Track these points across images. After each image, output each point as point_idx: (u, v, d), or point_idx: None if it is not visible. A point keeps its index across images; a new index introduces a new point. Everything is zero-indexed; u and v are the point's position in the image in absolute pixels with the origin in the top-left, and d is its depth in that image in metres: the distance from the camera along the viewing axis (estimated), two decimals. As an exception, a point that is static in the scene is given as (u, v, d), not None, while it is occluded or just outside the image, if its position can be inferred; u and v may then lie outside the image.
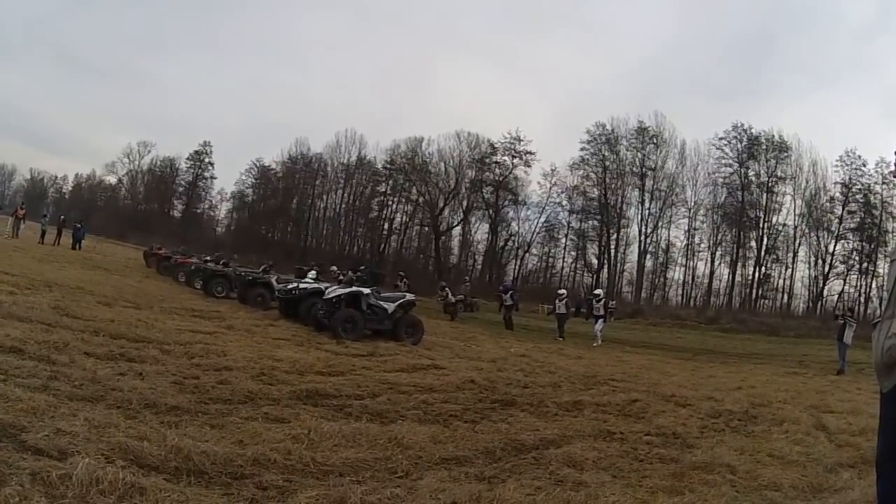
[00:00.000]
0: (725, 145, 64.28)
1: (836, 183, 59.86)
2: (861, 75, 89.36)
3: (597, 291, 24.85)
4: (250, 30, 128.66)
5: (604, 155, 68.88)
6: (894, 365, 3.15)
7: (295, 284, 17.36)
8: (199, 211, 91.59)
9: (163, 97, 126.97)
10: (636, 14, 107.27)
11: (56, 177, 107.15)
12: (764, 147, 62.70)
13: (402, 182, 77.89)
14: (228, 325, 13.61)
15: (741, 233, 63.05)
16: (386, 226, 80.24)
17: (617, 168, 68.18)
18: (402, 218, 79.62)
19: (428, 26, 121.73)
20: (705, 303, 61.56)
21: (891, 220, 57.77)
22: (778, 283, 62.19)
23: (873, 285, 56.56)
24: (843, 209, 59.26)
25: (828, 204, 60.23)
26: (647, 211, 66.47)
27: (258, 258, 31.40)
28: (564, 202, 72.01)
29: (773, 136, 62.32)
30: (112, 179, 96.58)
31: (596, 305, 23.21)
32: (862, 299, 55.94)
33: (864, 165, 58.38)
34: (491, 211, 72.84)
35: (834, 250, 59.22)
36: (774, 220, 62.26)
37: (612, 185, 68.26)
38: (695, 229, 65.31)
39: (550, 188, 71.85)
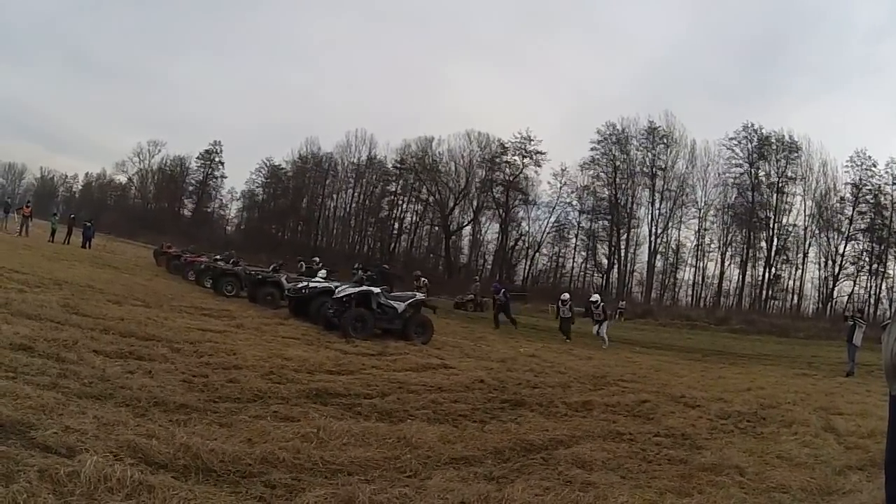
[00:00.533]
0: (736, 145, 64.01)
1: (846, 184, 59.63)
2: (871, 77, 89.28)
3: (593, 298, 23.83)
4: (261, 30, 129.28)
5: (614, 155, 68.72)
6: None
7: (305, 283, 17.33)
8: (209, 210, 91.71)
9: (173, 97, 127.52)
10: (645, 15, 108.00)
11: (66, 176, 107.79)
12: (774, 147, 62.38)
13: (412, 181, 77.92)
14: (238, 324, 13.60)
15: (751, 233, 62.75)
16: (396, 225, 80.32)
17: (627, 168, 68.00)
18: (412, 217, 79.69)
19: (437, 27, 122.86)
20: (715, 303, 61.12)
21: (901, 221, 57.27)
22: (788, 285, 61.86)
23: (883, 287, 56.56)
24: (854, 210, 58.86)
25: (838, 205, 59.88)
26: (658, 211, 66.29)
27: (268, 257, 31.44)
28: (575, 202, 71.69)
29: (784, 136, 62.12)
30: (122, 178, 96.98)
31: (595, 311, 22.74)
32: (872, 301, 55.84)
33: (875, 166, 58.26)
34: (501, 211, 72.66)
35: (844, 251, 58.84)
36: (785, 220, 61.99)
37: (623, 185, 68.10)
38: (705, 230, 65.15)
39: (561, 188, 71.54)
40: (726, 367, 17.50)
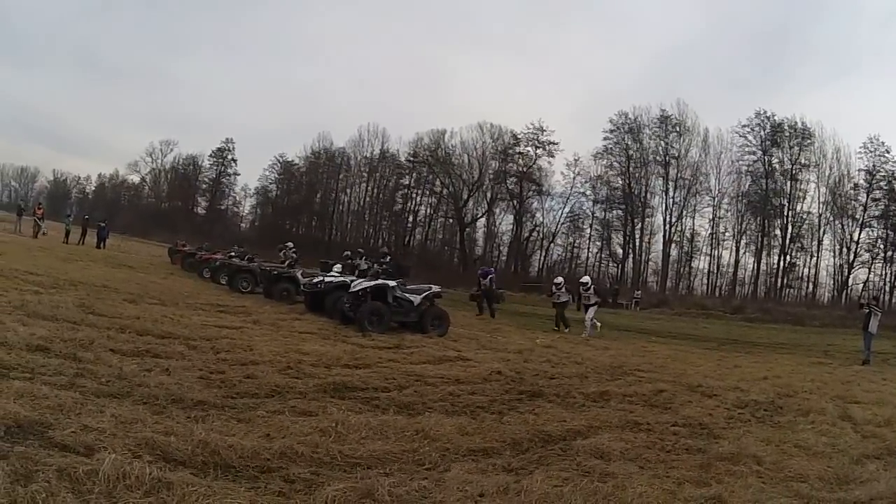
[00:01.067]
0: (748, 133, 63.53)
1: (859, 170, 59.00)
2: (882, 62, 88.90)
3: (584, 280, 22.37)
4: (269, 27, 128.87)
5: (627, 144, 68.53)
6: None
7: (320, 278, 17.31)
8: (222, 207, 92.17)
9: (184, 96, 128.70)
10: (654, 4, 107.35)
11: (79, 177, 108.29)
12: (787, 134, 61.88)
13: (425, 174, 78.00)
14: (254, 320, 13.63)
15: (766, 221, 62.32)
16: (410, 218, 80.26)
17: (640, 157, 67.76)
18: (426, 210, 79.65)
19: (446, 19, 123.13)
20: (730, 292, 60.99)
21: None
22: (803, 273, 61.55)
23: (899, 274, 55.96)
24: (868, 196, 58.35)
25: (852, 191, 59.38)
26: (672, 200, 66.00)
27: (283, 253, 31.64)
28: (588, 192, 71.51)
29: (796, 122, 61.59)
30: (135, 178, 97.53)
31: (585, 294, 21.31)
32: (887, 288, 55.36)
33: (888, 152, 57.55)
34: (515, 202, 72.56)
35: (859, 238, 58.35)
36: (799, 208, 61.48)
37: (636, 175, 67.88)
38: (719, 218, 64.78)
39: (574, 178, 71.33)
40: (742, 356, 17.33)
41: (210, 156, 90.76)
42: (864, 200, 58.66)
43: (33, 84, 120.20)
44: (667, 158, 66.16)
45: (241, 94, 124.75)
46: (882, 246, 57.43)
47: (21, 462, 3.94)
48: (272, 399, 6.90)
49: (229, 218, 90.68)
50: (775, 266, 61.59)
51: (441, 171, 75.21)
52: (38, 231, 37.39)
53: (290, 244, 27.81)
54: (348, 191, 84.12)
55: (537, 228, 73.02)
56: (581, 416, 7.53)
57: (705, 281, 65.80)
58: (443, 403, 7.54)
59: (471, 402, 7.81)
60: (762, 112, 63.02)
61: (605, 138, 69.60)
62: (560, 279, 23.93)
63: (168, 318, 11.85)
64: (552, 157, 72.06)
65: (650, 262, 68.21)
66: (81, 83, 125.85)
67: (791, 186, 61.63)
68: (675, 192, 65.82)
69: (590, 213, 72.24)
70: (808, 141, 61.12)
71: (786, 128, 61.98)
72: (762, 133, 63.02)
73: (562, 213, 72.45)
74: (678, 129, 66.18)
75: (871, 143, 58.11)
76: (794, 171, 61.39)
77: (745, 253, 63.59)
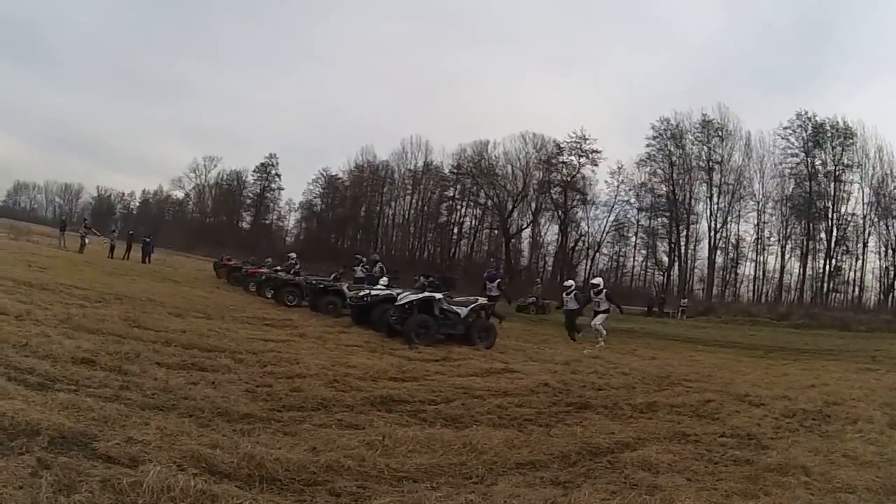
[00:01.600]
0: (790, 134, 63.17)
1: (903, 168, 58.08)
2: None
3: (595, 281, 20.40)
4: (311, 42, 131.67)
5: (670, 150, 68.77)
6: None
7: (367, 291, 17.38)
8: (267, 222, 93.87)
9: (225, 112, 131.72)
10: (691, 6, 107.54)
11: (123, 193, 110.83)
12: (829, 135, 61.21)
13: (469, 186, 78.77)
14: (300, 333, 13.70)
15: (810, 224, 61.73)
16: (455, 230, 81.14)
17: (683, 163, 67.91)
18: (471, 222, 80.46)
19: (486, 29, 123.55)
20: (776, 298, 60.37)
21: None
22: (848, 276, 60.63)
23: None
24: (913, 196, 57.38)
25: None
26: (716, 206, 66.02)
27: (328, 266, 31.77)
28: (633, 200, 71.99)
29: (838, 122, 60.92)
30: (179, 194, 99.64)
31: (595, 298, 19.25)
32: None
33: (932, 149, 56.53)
34: (560, 212, 72.87)
35: (905, 239, 57.27)
36: (843, 210, 60.83)
37: (680, 181, 68.03)
38: (764, 223, 64.56)
39: (618, 186, 71.80)
40: (789, 364, 17.03)
41: (254, 171, 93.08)
42: (909, 200, 57.70)
43: (74, 101, 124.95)
44: (710, 164, 66.29)
45: (283, 110, 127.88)
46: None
47: (64, 472, 4.01)
48: (319, 412, 6.94)
49: (274, 232, 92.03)
50: (821, 270, 60.86)
51: (485, 183, 75.84)
52: (83, 246, 38.21)
53: (293, 255, 29.00)
54: (393, 203, 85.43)
55: (582, 238, 73.47)
56: (629, 428, 7.47)
57: (751, 287, 65.50)
58: (490, 416, 7.52)
59: (518, 414, 7.78)
60: (803, 113, 62.74)
61: (647, 145, 70.22)
62: (571, 282, 22.06)
63: (214, 332, 11.97)
64: (596, 165, 72.55)
65: (696, 270, 68.16)
66: (122, 100, 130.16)
67: (834, 188, 61.05)
68: (719, 198, 65.97)
69: (634, 222, 72.87)
70: (850, 141, 60.45)
71: (827, 128, 61.32)
72: (804, 134, 62.65)
73: (607, 222, 72.94)
74: (720, 133, 66.36)
75: (915, 140, 56.95)
76: (837, 172, 60.77)
77: (790, 258, 63.27)
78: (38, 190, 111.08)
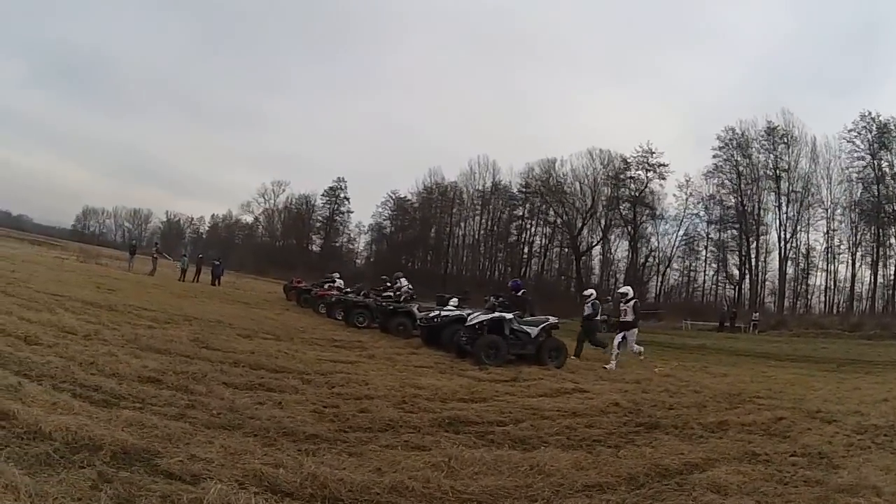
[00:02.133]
0: (855, 137, 61.84)
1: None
2: None
3: (623, 289, 17.76)
4: (377, 67, 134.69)
5: (736, 160, 68.61)
6: None
7: (437, 312, 17.41)
8: (337, 244, 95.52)
9: (292, 138, 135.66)
10: (747, 13, 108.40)
11: (192, 218, 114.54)
12: (894, 134, 59.57)
13: (538, 204, 79.91)
14: (370, 355, 13.80)
15: (880, 230, 60.23)
16: (526, 249, 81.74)
17: (751, 173, 67.59)
18: (541, 240, 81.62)
19: (547, 49, 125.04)
20: (848, 308, 59.02)
21: None
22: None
23: None
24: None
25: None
26: (785, 215, 65.51)
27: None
28: (702, 213, 72.01)
29: (902, 119, 59.22)
30: (248, 218, 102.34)
31: (623, 307, 17.05)
32: None
33: None
34: (629, 227, 73.25)
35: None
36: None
37: (748, 191, 67.75)
38: (833, 230, 63.49)
39: (687, 199, 72.05)
40: (861, 377, 16.64)
41: (322, 195, 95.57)
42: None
43: (143, 131, 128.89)
44: (777, 172, 65.73)
45: (349, 134, 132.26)
46: None
47: (124, 487, 4.08)
48: (385, 433, 6.92)
49: (345, 254, 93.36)
50: (892, 277, 59.15)
51: (554, 201, 76.80)
52: (154, 270, 39.35)
53: (336, 274, 31.30)
54: (462, 224, 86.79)
55: (653, 253, 73.92)
56: (699, 448, 7.28)
57: (822, 298, 64.23)
58: (559, 437, 7.44)
59: (588, 435, 7.69)
60: (867, 114, 61.25)
61: (714, 156, 70.25)
62: (591, 291, 19.96)
63: (283, 353, 12.14)
64: (663, 179, 73.06)
65: (766, 282, 67.33)
66: (189, 128, 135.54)
67: (903, 190, 59.24)
68: (787, 207, 65.51)
69: (704, 235, 72.79)
70: (917, 139, 58.63)
71: (891, 127, 59.69)
72: (869, 136, 61.29)
73: (676, 237, 73.30)
74: (786, 139, 65.84)
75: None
76: (905, 174, 58.94)
77: (860, 265, 61.86)
78: (106, 215, 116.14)
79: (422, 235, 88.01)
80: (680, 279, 74.45)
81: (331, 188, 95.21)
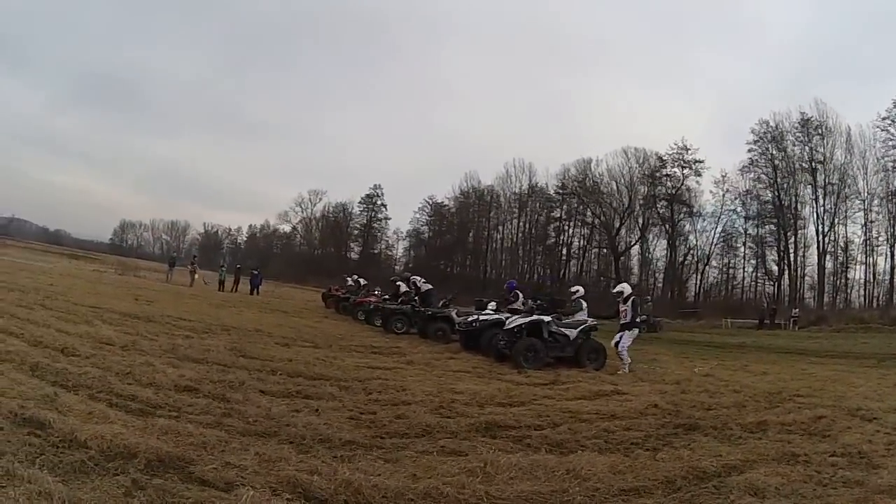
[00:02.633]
0: (890, 125, 60.07)
1: None
2: None
3: (619, 287, 16.19)
4: (408, 74, 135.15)
5: (772, 154, 67.71)
6: None
7: (475, 316, 17.40)
8: (375, 251, 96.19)
9: (326, 147, 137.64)
10: (774, 4, 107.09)
11: (230, 228, 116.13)
12: None
13: (575, 206, 79.89)
14: (408, 361, 13.85)
15: None
16: (564, 251, 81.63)
17: (786, 166, 66.59)
18: (579, 242, 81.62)
19: (579, 50, 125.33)
20: (888, 301, 57.21)
21: None
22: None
23: None
24: None
25: None
26: (822, 208, 64.19)
27: (438, 293, 31.94)
28: (739, 208, 71.32)
29: (936, 104, 57.65)
30: (286, 228, 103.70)
31: (622, 308, 15.43)
32: None
33: None
34: (667, 226, 72.88)
35: None
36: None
37: (784, 185, 66.67)
38: (871, 222, 61.90)
39: (723, 195, 71.48)
40: None
41: (359, 202, 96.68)
42: None
43: (181, 144, 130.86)
44: (812, 164, 64.51)
45: (383, 142, 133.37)
46: None
47: (158, 494, 4.16)
48: (422, 439, 6.95)
49: (383, 261, 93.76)
50: None
51: (591, 201, 76.87)
52: (193, 281, 39.96)
53: (355, 276, 32.21)
54: (500, 228, 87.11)
55: (691, 252, 73.43)
56: (737, 450, 7.19)
57: (862, 292, 62.64)
58: (596, 440, 7.42)
59: (625, 438, 7.67)
60: None
61: (749, 150, 69.42)
62: (579, 287, 18.48)
63: (320, 361, 12.20)
64: (699, 175, 72.61)
65: (806, 277, 66.15)
66: (224, 141, 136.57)
67: (940, 177, 57.87)
68: (824, 199, 64.15)
69: (742, 231, 71.86)
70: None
71: None
72: None
73: (714, 234, 72.54)
74: (820, 130, 64.51)
75: None
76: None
77: None
78: (144, 228, 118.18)
79: (460, 240, 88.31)
80: (719, 277, 73.83)
81: (367, 195, 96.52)
